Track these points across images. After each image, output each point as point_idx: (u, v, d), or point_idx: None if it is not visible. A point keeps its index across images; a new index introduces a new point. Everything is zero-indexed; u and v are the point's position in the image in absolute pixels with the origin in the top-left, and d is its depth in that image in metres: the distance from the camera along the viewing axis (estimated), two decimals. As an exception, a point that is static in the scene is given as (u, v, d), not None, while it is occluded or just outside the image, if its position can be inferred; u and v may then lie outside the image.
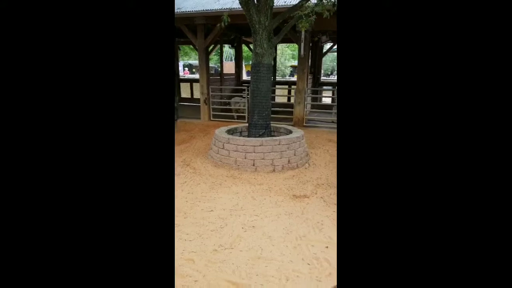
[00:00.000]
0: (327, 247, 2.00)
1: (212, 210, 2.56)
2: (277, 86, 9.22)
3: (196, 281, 1.68)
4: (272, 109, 5.16)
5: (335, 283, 1.62)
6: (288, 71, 20.48)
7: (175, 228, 2.25)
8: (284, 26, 3.80)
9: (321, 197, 2.85)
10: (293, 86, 7.96)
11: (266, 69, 3.84)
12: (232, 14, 4.69)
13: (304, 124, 5.98)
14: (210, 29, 5.90)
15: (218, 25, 3.73)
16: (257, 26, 3.61)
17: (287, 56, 20.41)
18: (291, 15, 3.69)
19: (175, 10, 5.83)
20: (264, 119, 4.00)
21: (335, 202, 2.76)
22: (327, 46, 9.19)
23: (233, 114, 6.83)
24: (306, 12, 3.44)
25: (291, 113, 6.15)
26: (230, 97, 7.52)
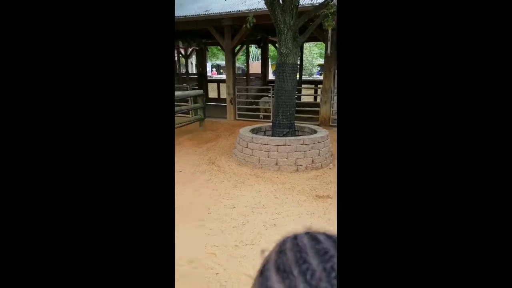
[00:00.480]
0: (348, 248, 1.97)
1: (234, 207, 2.63)
2: (303, 86, 9.12)
3: (217, 273, 1.75)
4: (298, 108, 5.13)
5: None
6: (315, 70, 20.14)
7: (199, 223, 2.34)
8: (310, 25, 3.77)
9: (345, 198, 2.80)
10: (319, 85, 7.84)
11: (291, 69, 3.84)
12: (258, 14, 4.74)
13: (330, 123, 5.87)
14: (237, 30, 6.00)
15: (244, 25, 3.79)
16: (282, 26, 3.62)
17: (314, 54, 20.07)
18: (317, 13, 3.66)
19: (203, 13, 6.00)
20: (288, 118, 4.00)
21: (359, 203, 2.70)
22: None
23: (260, 113, 6.89)
24: (332, 10, 3.39)
25: (317, 112, 6.07)
26: (255, 97, 7.59)
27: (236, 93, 6.66)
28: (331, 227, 2.26)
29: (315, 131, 4.17)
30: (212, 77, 16.91)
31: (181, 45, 9.61)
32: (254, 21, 3.94)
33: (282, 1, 3.60)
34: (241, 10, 5.54)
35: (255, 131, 4.31)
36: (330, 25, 3.67)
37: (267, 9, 3.73)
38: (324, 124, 5.81)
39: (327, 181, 3.26)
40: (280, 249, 0.25)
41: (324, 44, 5.78)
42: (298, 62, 6.77)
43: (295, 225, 2.29)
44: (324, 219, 2.40)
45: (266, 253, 0.27)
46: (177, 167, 3.71)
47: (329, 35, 5.33)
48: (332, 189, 3.01)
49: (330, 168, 3.69)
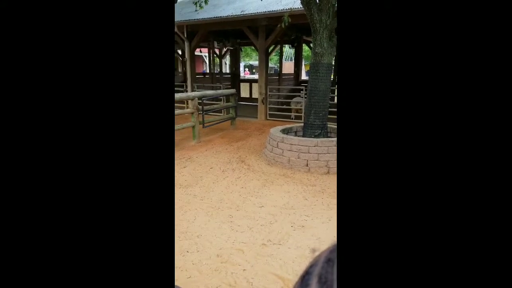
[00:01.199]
0: (380, 256, 1.89)
1: (263, 206, 2.64)
2: (337, 86, 8.89)
3: (244, 270, 1.77)
4: (331, 109, 5.01)
5: None
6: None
7: (228, 219, 2.39)
8: (347, 24, 3.66)
9: (378, 204, 2.69)
10: (354, 87, 7.58)
11: (326, 69, 3.76)
12: (293, 14, 4.70)
13: (364, 126, 5.65)
14: (271, 29, 6.01)
15: (279, 25, 3.79)
16: (317, 25, 3.56)
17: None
18: (355, 12, 3.54)
19: (239, 13, 6.09)
20: (320, 119, 3.92)
21: (394, 210, 2.58)
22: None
23: (291, 114, 6.84)
24: (371, 8, 3.27)
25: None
26: (287, 97, 7.54)
27: (268, 93, 6.67)
28: (363, 233, 2.18)
29: (348, 133, 4.05)
30: (244, 76, 17.13)
31: (216, 45, 9.85)
32: (289, 20, 3.92)
33: (319, 0, 3.54)
34: (277, 10, 5.54)
35: (285, 131, 4.29)
36: (368, 23, 3.53)
37: (302, 9, 3.69)
38: (358, 126, 5.61)
39: (360, 185, 3.15)
40: (329, 256, 0.23)
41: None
42: (333, 63, 6.62)
43: (324, 229, 2.24)
44: (355, 224, 2.32)
45: (317, 254, 0.26)
46: (209, 164, 3.81)
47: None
48: (364, 194, 2.90)
49: (363, 172, 3.56)
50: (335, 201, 2.75)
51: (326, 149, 3.55)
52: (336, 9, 3.57)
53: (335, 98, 7.70)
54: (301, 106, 6.52)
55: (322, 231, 2.20)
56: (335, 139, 3.69)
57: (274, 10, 5.61)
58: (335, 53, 3.89)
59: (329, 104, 4.15)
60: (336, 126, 4.48)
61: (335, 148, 3.55)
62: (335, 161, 3.54)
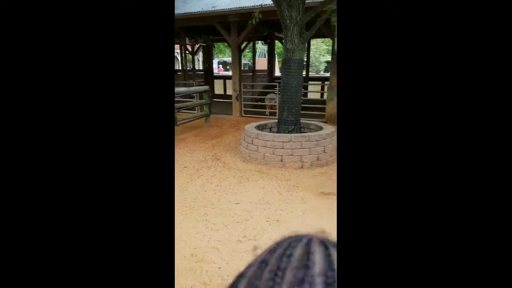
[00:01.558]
0: (351, 245, 1.96)
1: (238, 203, 2.63)
2: (310, 82, 9.06)
3: (219, 268, 1.76)
4: (305, 105, 5.10)
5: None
6: (323, 66, 19.98)
7: (203, 218, 2.36)
8: (317, 21, 3.73)
9: (350, 195, 2.79)
10: (326, 82, 7.78)
11: (297, 65, 3.81)
12: (264, 10, 4.70)
13: (337, 120, 5.83)
14: (243, 26, 5.98)
15: (250, 21, 3.77)
16: (288, 22, 3.59)
17: (321, 51, 19.90)
18: (323, 9, 3.61)
19: (210, 9, 5.99)
20: (294, 115, 3.98)
21: (364, 201, 2.68)
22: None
23: (266, 110, 6.87)
24: (339, 5, 3.35)
25: (323, 109, 6.03)
26: (261, 94, 7.57)
27: (242, 90, 6.65)
28: (335, 224, 2.25)
29: (321, 128, 4.14)
30: (218, 73, 16.93)
31: (187, 42, 9.63)
32: (260, 16, 3.92)
33: (289, -4, 3.56)
34: (247, 6, 5.52)
35: (260, 127, 4.30)
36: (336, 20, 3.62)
37: (273, 5, 3.70)
38: (330, 121, 5.76)
39: (332, 178, 3.24)
40: (265, 257, 0.21)
41: (331, 41, 5.72)
42: (305, 59, 6.71)
43: (298, 222, 2.29)
44: (328, 215, 2.39)
45: (259, 252, 0.24)
46: (183, 162, 3.73)
47: (336, 31, 5.27)
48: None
49: (336, 165, 3.66)
50: (309, 194, 2.81)
51: (300, 144, 3.61)
52: (305, 5, 3.62)
53: (308, 94, 7.85)
54: (275, 102, 6.57)
55: (296, 225, 2.25)
56: (308, 134, 3.77)
57: (245, 6, 5.58)
58: (306, 50, 3.94)
59: (302, 100, 4.22)
60: (308, 122, 4.57)
61: (308, 143, 3.62)
62: (309, 156, 3.61)
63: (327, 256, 0.20)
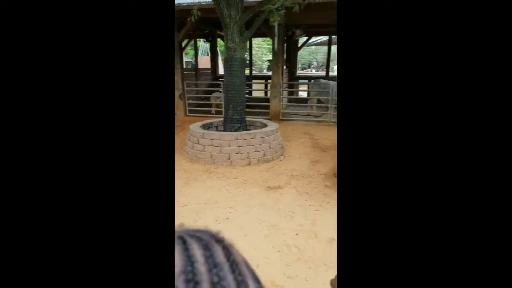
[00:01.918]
0: (297, 234, 2.08)
1: (186, 205, 2.57)
2: (253, 81, 9.22)
3: (168, 273, 1.70)
4: (249, 103, 5.17)
5: (305, 269, 1.69)
6: (265, 65, 20.49)
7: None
8: (256, 20, 3.81)
9: (294, 187, 2.94)
10: (269, 81, 8.02)
11: (239, 64, 3.85)
12: (204, 8, 4.63)
13: (281, 118, 6.06)
14: (183, 23, 5.79)
15: (189, 19, 3.68)
16: (228, 20, 3.60)
17: (263, 50, 20.38)
18: (262, 9, 3.72)
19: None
20: (239, 113, 4.02)
21: (307, 191, 2.85)
22: (302, 40, 9.30)
23: (212, 109, 6.79)
24: (276, 6, 3.48)
25: (268, 107, 6.21)
26: (206, 92, 7.45)
27: (186, 88, 6.46)
28: (281, 216, 2.36)
29: (265, 125, 4.26)
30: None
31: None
32: (199, 14, 3.85)
33: (227, -5, 3.57)
34: (186, 3, 5.36)
35: (206, 126, 4.25)
36: (275, 20, 3.76)
37: (212, 3, 3.67)
38: (275, 118, 5.97)
39: (278, 172, 3.37)
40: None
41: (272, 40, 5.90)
42: (247, 57, 6.78)
43: (246, 218, 2.33)
44: (275, 209, 2.49)
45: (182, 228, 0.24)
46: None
47: (275, 30, 5.46)
48: (282, 180, 3.13)
49: (281, 160, 3.82)
50: (256, 190, 2.88)
51: (246, 141, 3.67)
52: (243, 4, 3.67)
53: (252, 92, 7.98)
54: (220, 101, 6.54)
55: (244, 220, 2.29)
56: (254, 131, 3.85)
57: (184, 3, 5.41)
58: (247, 48, 4.00)
59: (246, 98, 4.28)
60: (253, 119, 4.66)
61: (254, 140, 3.70)
62: (255, 152, 3.70)
63: (185, 250, 0.19)
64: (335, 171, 3.37)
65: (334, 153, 4.04)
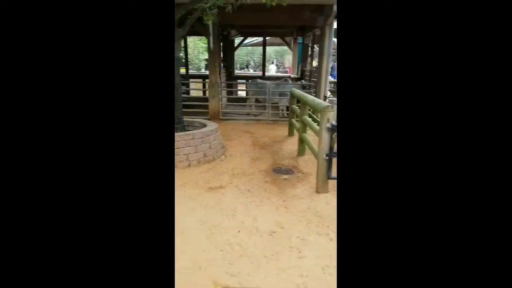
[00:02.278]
0: (239, 231, 2.11)
1: (120, 214, 2.38)
2: (190, 80, 8.98)
3: None
4: (188, 103, 5.00)
5: (248, 264, 1.73)
6: (203, 64, 20.16)
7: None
8: (189, 18, 3.72)
9: (236, 186, 2.97)
10: (207, 80, 7.91)
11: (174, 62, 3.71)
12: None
13: (221, 117, 6.04)
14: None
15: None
16: (159, 17, 3.43)
17: (200, 49, 20.02)
18: (195, 7, 3.64)
19: None
20: (176, 113, 3.87)
21: (248, 188, 2.92)
22: (239, 40, 9.41)
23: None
24: (209, 4, 3.44)
25: (207, 107, 6.12)
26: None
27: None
28: (223, 216, 2.36)
29: (204, 125, 4.20)
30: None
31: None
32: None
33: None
34: None
35: (140, 129, 3.98)
36: (209, 19, 3.72)
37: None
38: (215, 118, 5.93)
39: (220, 172, 3.36)
40: None
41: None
42: (182, 56, 6.56)
43: (188, 220, 2.27)
44: (217, 208, 2.48)
45: None
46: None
47: (210, 29, 5.41)
48: (224, 179, 3.13)
49: (222, 160, 3.82)
50: (197, 191, 2.83)
51: (185, 142, 3.56)
52: (174, 1, 3.54)
53: (190, 92, 7.78)
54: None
55: (186, 223, 2.23)
56: (192, 132, 3.76)
57: None
58: (181, 46, 3.88)
59: (183, 98, 4.15)
60: (192, 119, 4.55)
61: (193, 141, 3.61)
62: (195, 154, 3.61)
63: None
64: (274, 167, 3.52)
65: (273, 150, 4.21)
